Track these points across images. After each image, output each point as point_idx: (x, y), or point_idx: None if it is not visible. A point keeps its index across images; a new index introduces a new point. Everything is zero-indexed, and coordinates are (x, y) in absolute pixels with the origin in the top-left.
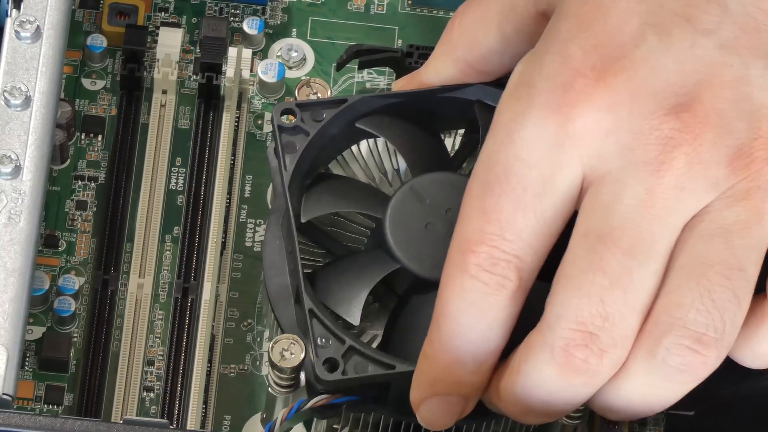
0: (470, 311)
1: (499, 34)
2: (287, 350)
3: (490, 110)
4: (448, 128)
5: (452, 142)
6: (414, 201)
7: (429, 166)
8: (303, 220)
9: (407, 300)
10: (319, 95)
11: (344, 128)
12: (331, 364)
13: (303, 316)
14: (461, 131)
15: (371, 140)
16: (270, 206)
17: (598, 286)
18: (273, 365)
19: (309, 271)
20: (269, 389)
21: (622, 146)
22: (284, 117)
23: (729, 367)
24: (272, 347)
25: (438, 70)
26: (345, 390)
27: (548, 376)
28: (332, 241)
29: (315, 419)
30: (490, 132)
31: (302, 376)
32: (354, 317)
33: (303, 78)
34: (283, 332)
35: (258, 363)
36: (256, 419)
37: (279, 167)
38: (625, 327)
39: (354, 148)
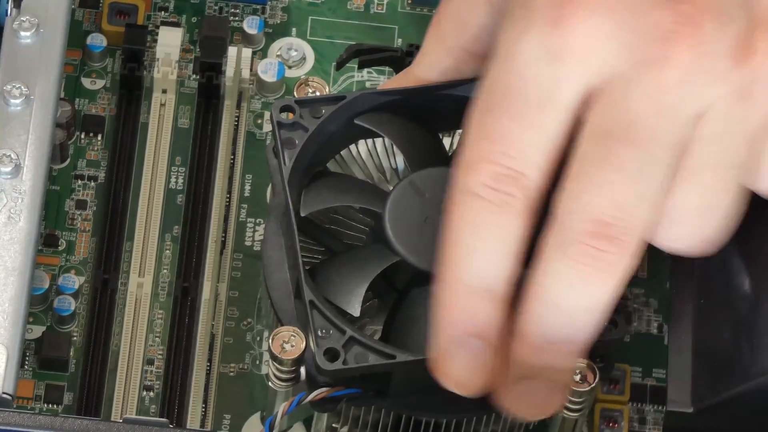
0: (476, 232)
1: (487, 7)
2: (288, 342)
3: None
4: (448, 127)
5: (450, 141)
6: (413, 195)
7: (428, 162)
8: (302, 214)
9: (407, 293)
10: (318, 94)
11: (343, 125)
12: (332, 354)
13: (303, 309)
14: (459, 132)
15: (370, 141)
16: (269, 205)
17: (611, 180)
18: (273, 357)
19: (308, 267)
20: (269, 384)
21: (625, 47)
22: (283, 114)
23: (729, 367)
24: (272, 339)
25: (432, 64)
26: (345, 382)
27: (566, 281)
28: (332, 238)
29: (315, 417)
30: (491, 62)
31: (302, 370)
32: (354, 309)
33: (302, 77)
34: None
35: (258, 362)
36: (256, 418)
37: (278, 163)
38: (638, 218)
39: (353, 148)
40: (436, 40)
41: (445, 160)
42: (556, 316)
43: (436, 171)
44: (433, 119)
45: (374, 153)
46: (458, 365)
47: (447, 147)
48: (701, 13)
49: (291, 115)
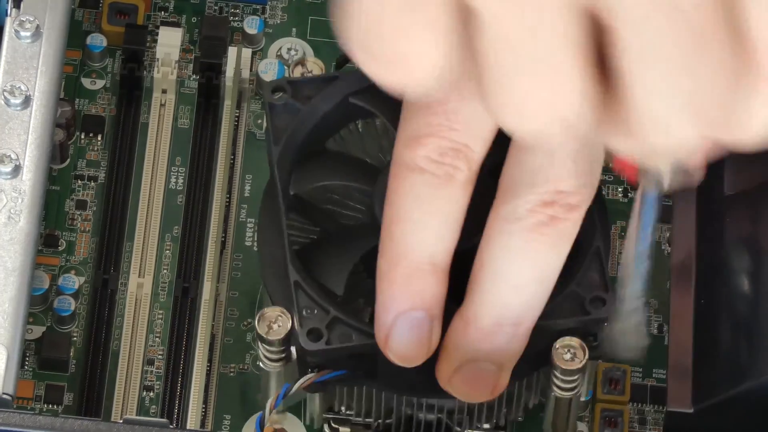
0: (422, 206)
1: None
2: (275, 322)
3: None
4: None
5: None
6: None
7: None
8: (292, 192)
9: None
10: (314, 72)
11: (338, 105)
12: (315, 334)
13: (289, 287)
14: None
15: (369, 119)
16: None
17: (569, 148)
18: (261, 338)
19: (296, 247)
20: (260, 365)
21: None
22: (276, 94)
23: (729, 367)
24: (258, 320)
25: None
26: (332, 363)
27: (520, 254)
28: (327, 218)
29: (307, 397)
30: None
31: (293, 349)
32: (338, 287)
33: (296, 58)
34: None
35: (258, 362)
36: (256, 418)
37: (267, 143)
38: (591, 185)
39: (352, 126)
40: None
41: None
42: (509, 293)
43: None
44: None
45: (373, 132)
46: (404, 340)
47: None
48: None
49: (283, 95)
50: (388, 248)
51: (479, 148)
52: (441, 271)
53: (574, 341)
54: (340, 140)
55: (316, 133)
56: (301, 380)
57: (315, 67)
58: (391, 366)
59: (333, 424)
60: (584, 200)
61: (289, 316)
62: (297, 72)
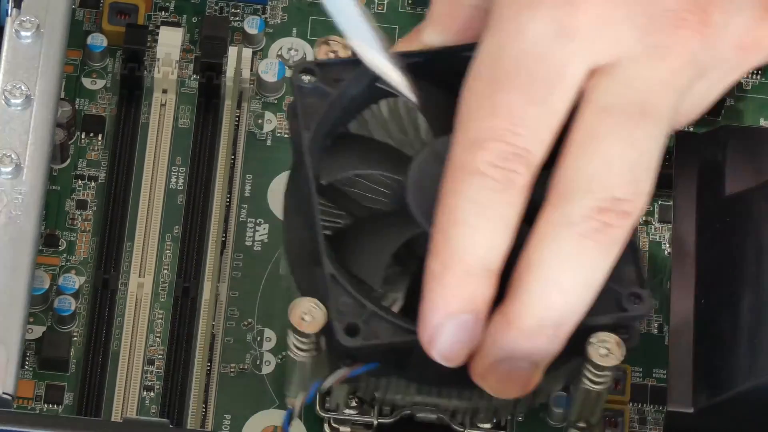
0: (480, 211)
1: None
2: (307, 314)
3: None
4: None
5: None
6: (436, 163)
7: (449, 126)
8: (323, 182)
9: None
10: (339, 53)
11: (365, 88)
12: (352, 330)
13: (323, 279)
14: None
15: (391, 100)
16: (270, 204)
17: (620, 155)
18: (293, 329)
19: (329, 232)
20: (289, 354)
21: (637, 30)
22: (304, 77)
23: (729, 367)
24: (291, 310)
25: (445, 28)
26: (365, 357)
27: (570, 258)
28: (352, 201)
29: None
30: (491, 29)
31: (323, 341)
32: (376, 281)
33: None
34: (302, 295)
35: (258, 362)
36: (256, 418)
37: (299, 129)
38: (645, 192)
39: (374, 108)
40: (448, 1)
41: None
42: (556, 297)
43: None
44: (456, 81)
45: (396, 114)
46: (451, 341)
47: None
48: (711, 3)
49: (311, 79)
50: (443, 250)
51: (540, 152)
52: (494, 275)
53: (611, 338)
54: (362, 121)
55: (343, 117)
56: (334, 376)
57: (339, 45)
58: (425, 359)
59: (333, 424)
60: (638, 208)
61: (322, 308)
62: (322, 52)
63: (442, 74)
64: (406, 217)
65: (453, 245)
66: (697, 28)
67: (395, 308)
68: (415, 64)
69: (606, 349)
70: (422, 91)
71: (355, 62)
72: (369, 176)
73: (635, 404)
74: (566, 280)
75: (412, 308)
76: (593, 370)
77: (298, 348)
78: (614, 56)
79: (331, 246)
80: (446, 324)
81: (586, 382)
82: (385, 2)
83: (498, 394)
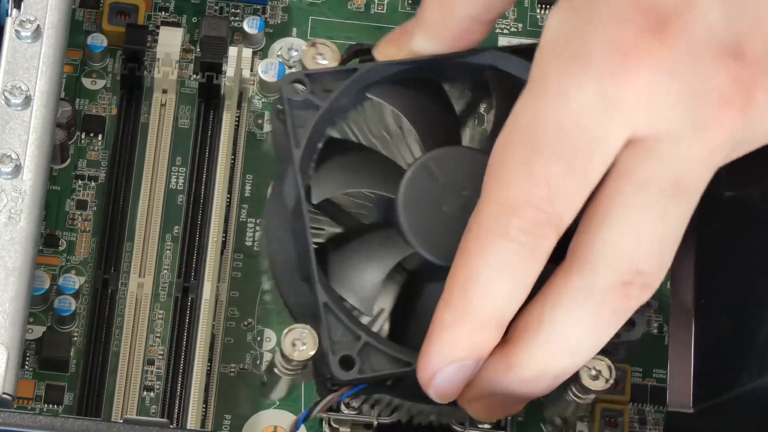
0: (503, 273)
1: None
2: (299, 340)
3: (503, 76)
4: (460, 94)
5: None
6: (427, 180)
7: (440, 137)
8: (314, 202)
9: (419, 283)
10: (326, 58)
11: (354, 97)
12: (347, 362)
13: (313, 301)
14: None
15: (376, 101)
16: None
17: (650, 230)
18: (284, 356)
19: (315, 246)
20: (275, 370)
21: (681, 106)
22: (295, 86)
23: (729, 367)
24: (284, 337)
25: (437, 36)
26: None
27: (586, 323)
28: (339, 211)
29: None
30: (533, 91)
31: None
32: (369, 308)
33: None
34: (289, 311)
35: (258, 362)
36: (256, 418)
37: (290, 144)
38: (667, 266)
39: (359, 107)
40: (440, 8)
41: (458, 135)
42: (562, 354)
43: (450, 151)
44: (442, 89)
45: (380, 113)
46: (448, 381)
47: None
48: (755, 83)
49: (301, 88)
50: (458, 304)
51: (571, 217)
52: (505, 325)
53: (602, 362)
54: (344, 120)
55: (331, 125)
56: (324, 402)
57: (326, 49)
58: (415, 383)
59: (333, 424)
60: (659, 280)
61: (314, 335)
62: (309, 55)
63: (431, 80)
64: (397, 235)
65: (469, 302)
66: (740, 109)
67: (381, 319)
68: (405, 71)
69: (596, 371)
70: (411, 100)
71: (344, 72)
72: (360, 194)
73: (635, 404)
74: (576, 342)
75: (402, 330)
76: (581, 390)
77: (286, 369)
78: (655, 130)
79: (318, 259)
80: (448, 368)
81: (571, 395)
82: (385, 2)
83: (479, 417)
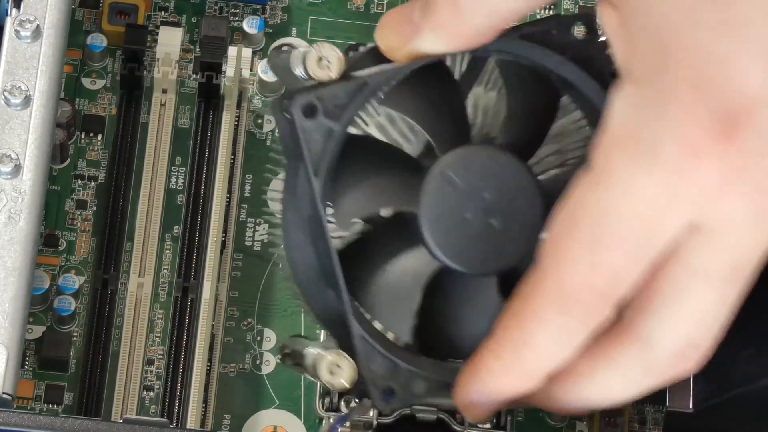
0: (560, 345)
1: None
2: (336, 365)
3: (510, 65)
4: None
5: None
6: (447, 188)
7: (452, 135)
8: (336, 235)
9: (446, 286)
10: (332, 69)
11: (364, 107)
12: (389, 394)
13: (344, 329)
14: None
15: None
16: (269, 204)
17: (708, 311)
18: (324, 382)
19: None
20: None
21: (745, 197)
22: (309, 120)
23: (729, 367)
24: (319, 363)
25: (448, 44)
26: None
27: (632, 384)
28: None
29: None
30: (598, 179)
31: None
32: (406, 333)
33: (307, 46)
34: (316, 317)
35: (258, 362)
36: (256, 418)
37: (308, 175)
38: (720, 331)
39: (372, 111)
40: (454, 12)
41: (467, 127)
42: (596, 401)
43: (464, 153)
44: (452, 84)
45: (392, 120)
46: (486, 410)
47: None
48: None
49: (315, 106)
50: (508, 359)
51: (629, 294)
52: (550, 376)
53: None
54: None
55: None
56: (358, 408)
57: (331, 52)
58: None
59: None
60: (708, 352)
61: (350, 362)
62: (313, 60)
63: (438, 72)
64: (426, 254)
65: (521, 361)
66: None
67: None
68: (413, 72)
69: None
70: (419, 102)
71: (355, 89)
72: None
73: (635, 404)
74: (615, 395)
75: (427, 321)
76: None
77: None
78: (719, 222)
79: (343, 268)
80: (489, 406)
81: None
82: (385, 2)
83: (467, 415)
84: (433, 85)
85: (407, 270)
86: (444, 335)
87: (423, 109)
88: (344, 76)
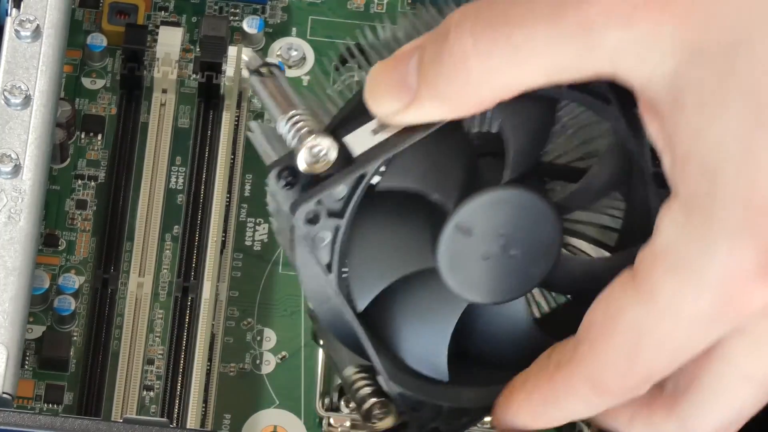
0: (589, 410)
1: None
2: (379, 411)
3: (507, 106)
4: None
5: None
6: (462, 238)
7: (460, 184)
8: (360, 309)
9: (475, 319)
10: (328, 154)
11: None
12: None
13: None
14: None
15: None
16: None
17: (739, 406)
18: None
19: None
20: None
21: None
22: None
23: None
24: (363, 405)
25: (434, 117)
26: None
27: None
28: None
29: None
30: (641, 297)
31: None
32: (442, 373)
33: (305, 138)
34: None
35: (258, 362)
36: (256, 418)
37: (320, 267)
38: None
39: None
40: (460, 84)
41: (475, 169)
42: None
43: (475, 203)
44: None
45: None
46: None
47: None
48: None
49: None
50: (538, 409)
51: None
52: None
53: None
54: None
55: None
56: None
57: (326, 143)
58: None
59: (333, 424)
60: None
61: (392, 409)
62: (307, 156)
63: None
64: (453, 297)
65: (550, 415)
66: None
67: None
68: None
69: None
70: (424, 170)
71: (354, 181)
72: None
73: None
74: None
75: (469, 355)
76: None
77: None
78: (761, 330)
79: (369, 320)
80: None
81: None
82: (385, 2)
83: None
84: (432, 142)
85: (439, 320)
86: (478, 362)
87: (424, 172)
88: (340, 158)
